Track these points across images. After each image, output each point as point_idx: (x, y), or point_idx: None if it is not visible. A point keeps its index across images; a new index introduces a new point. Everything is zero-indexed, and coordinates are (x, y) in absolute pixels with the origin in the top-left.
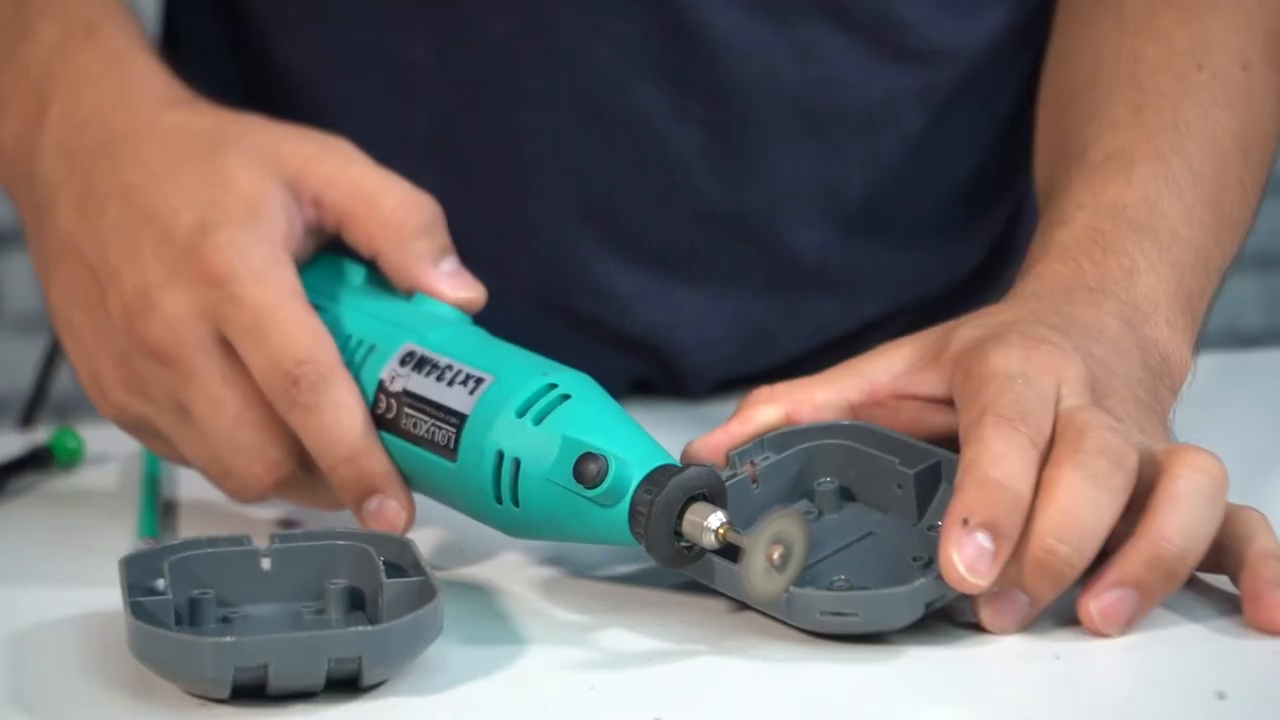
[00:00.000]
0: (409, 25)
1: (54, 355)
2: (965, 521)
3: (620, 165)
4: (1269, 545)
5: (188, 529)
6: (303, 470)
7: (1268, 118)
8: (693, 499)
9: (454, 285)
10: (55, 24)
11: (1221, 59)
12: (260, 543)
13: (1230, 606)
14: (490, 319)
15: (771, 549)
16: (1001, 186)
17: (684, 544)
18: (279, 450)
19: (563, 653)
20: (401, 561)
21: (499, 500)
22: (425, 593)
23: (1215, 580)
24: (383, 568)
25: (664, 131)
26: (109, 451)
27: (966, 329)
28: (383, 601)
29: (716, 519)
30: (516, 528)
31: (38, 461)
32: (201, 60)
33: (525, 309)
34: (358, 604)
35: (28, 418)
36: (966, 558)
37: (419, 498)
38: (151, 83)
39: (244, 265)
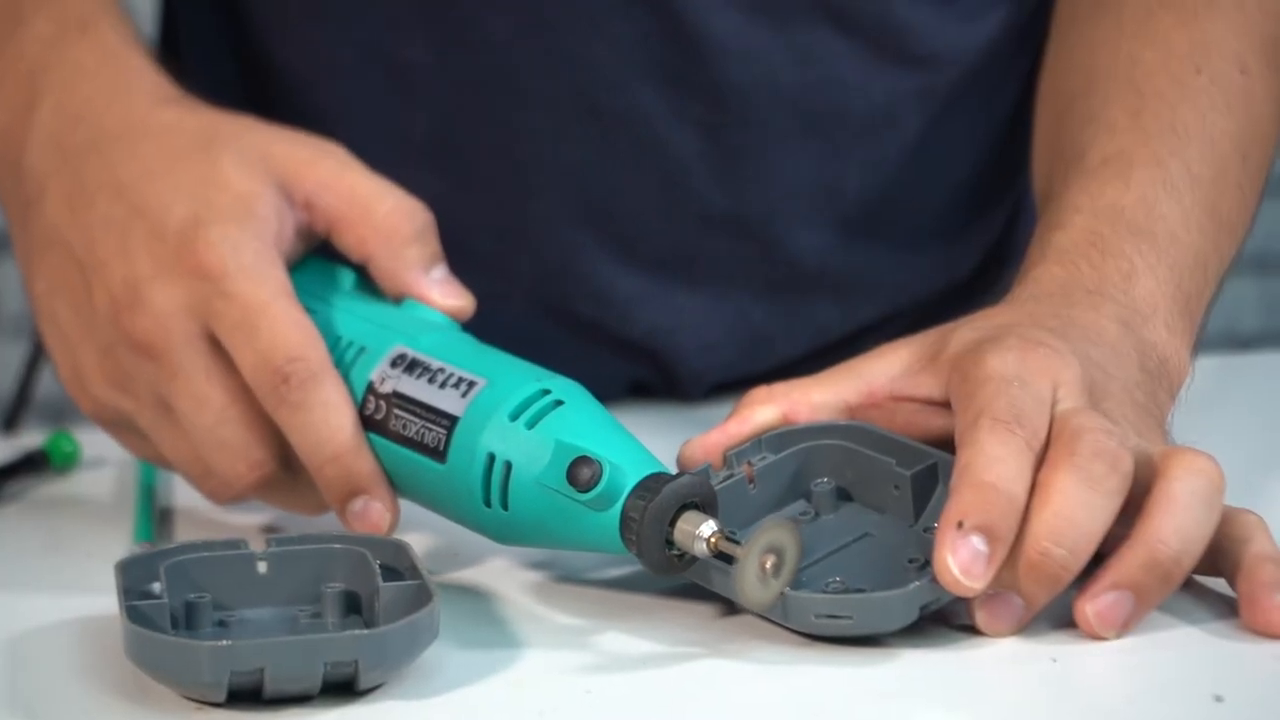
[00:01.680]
0: (409, 26)
1: (37, 358)
2: (960, 524)
3: (620, 167)
4: (1266, 548)
5: (183, 534)
6: (285, 471)
7: (1266, 121)
8: (685, 507)
9: (444, 293)
10: (49, 18)
11: (1220, 63)
12: (256, 546)
13: (1227, 609)
14: (489, 320)
15: (764, 558)
16: (1000, 189)
17: (675, 552)
18: (262, 449)
19: (559, 656)
20: (397, 565)
21: (488, 503)
22: (421, 596)
23: (1212, 583)
24: (379, 571)
25: (663, 133)
26: (104, 456)
27: (964, 331)
28: (379, 605)
29: (708, 528)
30: (504, 532)
31: (33, 465)
32: (201, 61)
33: (524, 311)
34: (354, 607)
35: (10, 421)
36: (961, 561)
37: (406, 504)
38: (145, 80)
39: (236, 262)
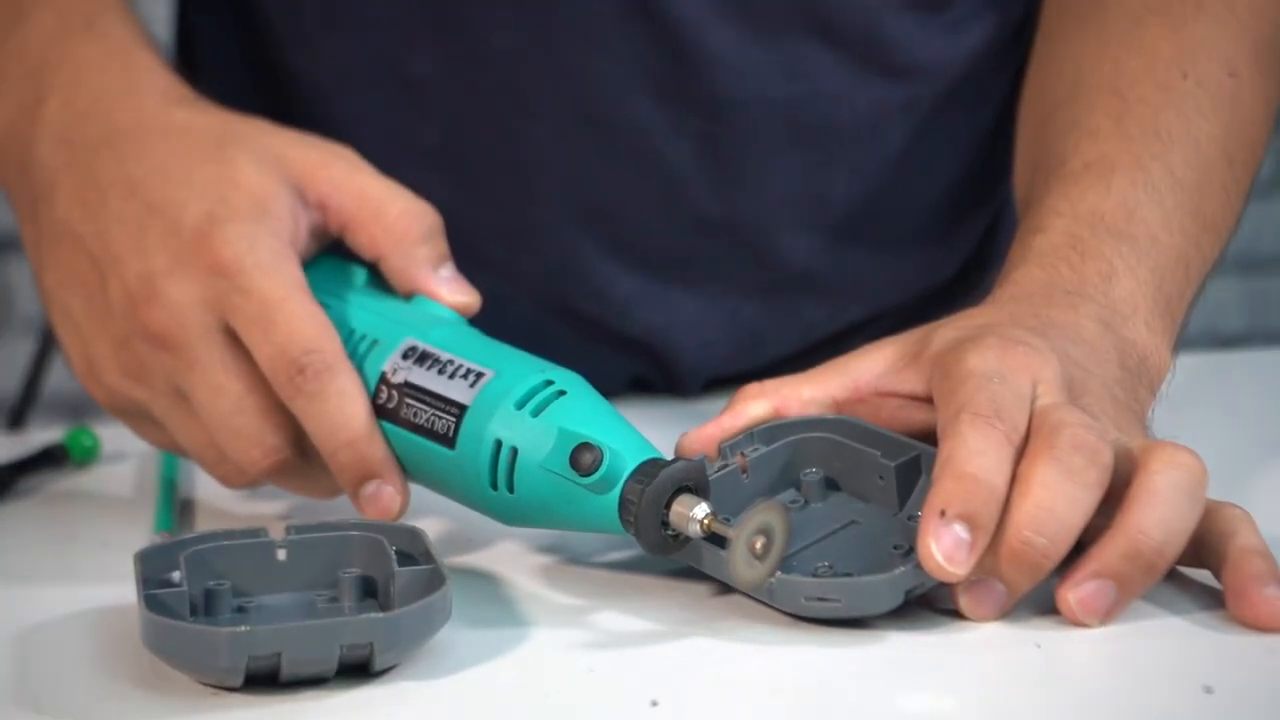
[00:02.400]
0: (419, 41)
1: (44, 356)
2: (943, 513)
3: (619, 174)
4: (1252, 541)
5: (204, 526)
6: (298, 457)
7: (1253, 124)
8: (680, 490)
9: (453, 289)
10: (52, 13)
11: (1208, 66)
12: (276, 535)
13: (1214, 600)
14: (496, 319)
15: (755, 539)
16: (981, 197)
17: (670, 533)
18: (277, 436)
19: (563, 635)
20: (412, 550)
21: (494, 487)
22: (435, 580)
23: (1199, 574)
24: (394, 557)
25: (660, 143)
26: (124, 450)
27: (946, 331)
28: (394, 589)
29: (702, 510)
30: (509, 514)
31: (52, 460)
32: (218, 70)
33: (529, 310)
34: (370, 592)
35: (17, 418)
36: (944, 547)
37: (419, 492)
38: (154, 78)
39: (252, 258)
